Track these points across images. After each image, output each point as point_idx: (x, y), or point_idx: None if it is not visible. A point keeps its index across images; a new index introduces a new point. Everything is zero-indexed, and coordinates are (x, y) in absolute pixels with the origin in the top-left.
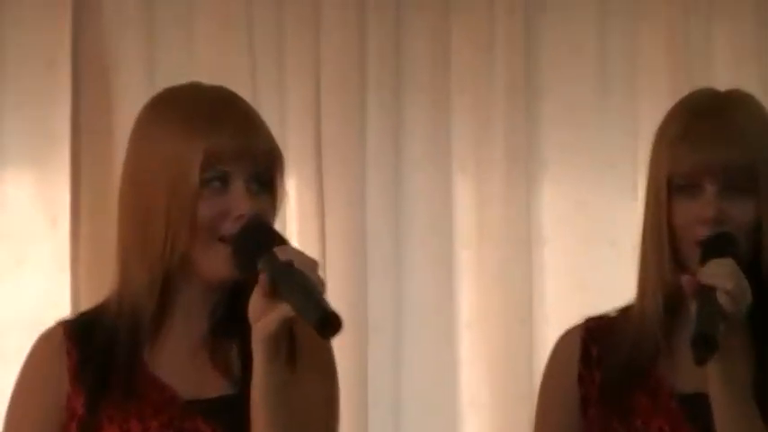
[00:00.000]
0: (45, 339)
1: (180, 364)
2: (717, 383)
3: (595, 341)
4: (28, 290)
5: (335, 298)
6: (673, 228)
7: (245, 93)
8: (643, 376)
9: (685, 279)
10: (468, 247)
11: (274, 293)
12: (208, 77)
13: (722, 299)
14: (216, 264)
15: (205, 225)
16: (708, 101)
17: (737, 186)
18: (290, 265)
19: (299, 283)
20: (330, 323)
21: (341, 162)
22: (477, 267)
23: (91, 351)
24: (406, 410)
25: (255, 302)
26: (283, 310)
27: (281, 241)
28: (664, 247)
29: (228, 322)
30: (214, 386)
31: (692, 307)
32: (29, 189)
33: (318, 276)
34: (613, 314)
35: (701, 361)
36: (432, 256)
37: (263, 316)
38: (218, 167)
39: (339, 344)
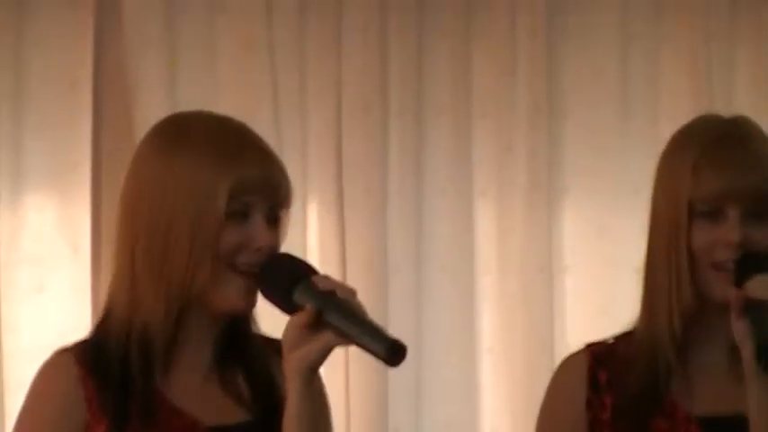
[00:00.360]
0: (54, 368)
1: (193, 392)
2: (760, 403)
3: (602, 366)
4: (49, 316)
5: None
6: (690, 252)
7: (266, 115)
8: (658, 400)
9: (733, 294)
10: (490, 274)
11: (317, 323)
12: (229, 100)
13: None
14: (230, 295)
15: (225, 255)
16: (723, 127)
17: (759, 212)
18: (333, 293)
19: (352, 312)
20: (398, 351)
21: (362, 186)
22: (498, 293)
23: (107, 379)
24: None
25: (294, 332)
26: (328, 339)
27: (313, 271)
28: (683, 270)
29: (231, 350)
30: (229, 413)
31: (738, 324)
32: (50, 214)
33: (361, 305)
34: (611, 340)
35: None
36: (452, 281)
37: (303, 346)
38: (242, 199)
39: (361, 370)
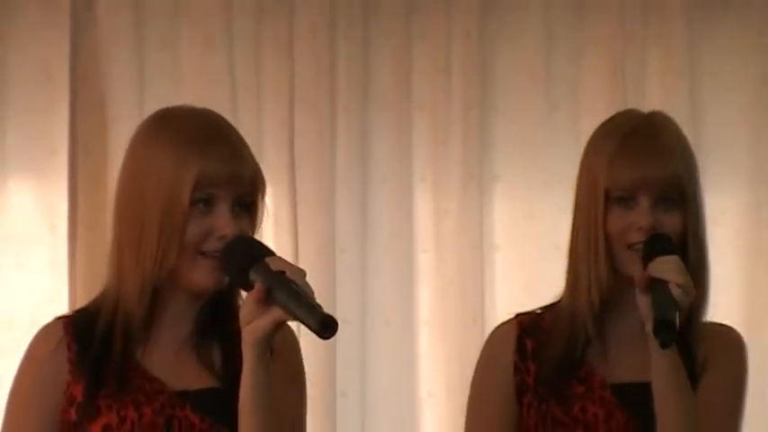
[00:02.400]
0: (45, 332)
1: (168, 361)
2: (664, 373)
3: (529, 335)
4: (28, 289)
5: None
6: (607, 234)
7: (225, 109)
8: (576, 367)
9: (638, 274)
10: (427, 252)
11: (267, 300)
12: (191, 93)
13: (675, 291)
14: (200, 276)
15: (191, 242)
16: (638, 122)
17: (667, 199)
18: (282, 273)
19: (295, 290)
20: (329, 326)
21: (312, 174)
22: (434, 271)
23: (88, 345)
24: (371, 400)
25: (248, 308)
26: (276, 314)
27: (270, 253)
28: (600, 250)
29: (210, 324)
30: (199, 380)
31: (642, 300)
32: (30, 196)
33: (308, 284)
34: (539, 311)
35: (665, 344)
36: (394, 259)
37: (255, 320)
38: (206, 191)
39: (310, 339)
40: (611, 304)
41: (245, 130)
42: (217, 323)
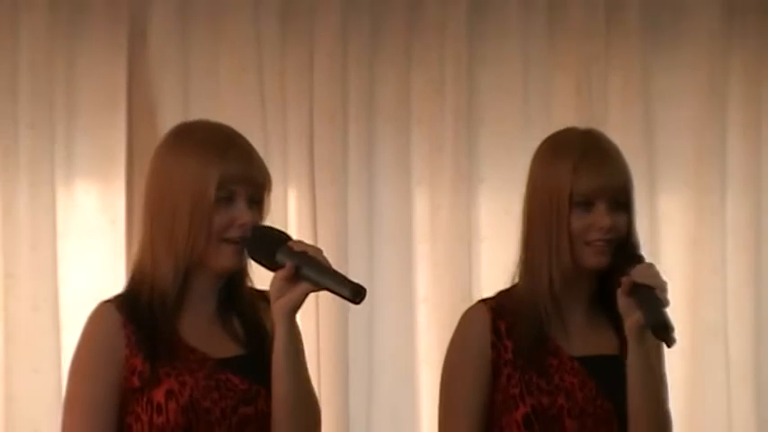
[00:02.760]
0: (101, 314)
1: (202, 333)
2: (641, 355)
3: (501, 317)
4: (92, 273)
5: None
6: (569, 232)
7: (256, 122)
8: (547, 343)
9: (624, 280)
10: (424, 242)
11: (295, 277)
12: (228, 110)
13: (662, 295)
14: (225, 259)
15: (217, 231)
16: (588, 138)
17: (618, 202)
18: (306, 253)
19: (324, 266)
20: (360, 292)
21: (329, 177)
22: (430, 257)
23: (140, 323)
24: (377, 364)
25: (277, 285)
26: (305, 288)
27: (288, 236)
28: (564, 245)
29: (227, 301)
30: (229, 348)
31: (625, 301)
32: (93, 196)
33: (327, 259)
34: (496, 296)
35: (671, 343)
36: (396, 248)
37: (286, 294)
38: (228, 188)
39: (325, 312)
40: (567, 290)
41: (273, 140)
42: (232, 300)
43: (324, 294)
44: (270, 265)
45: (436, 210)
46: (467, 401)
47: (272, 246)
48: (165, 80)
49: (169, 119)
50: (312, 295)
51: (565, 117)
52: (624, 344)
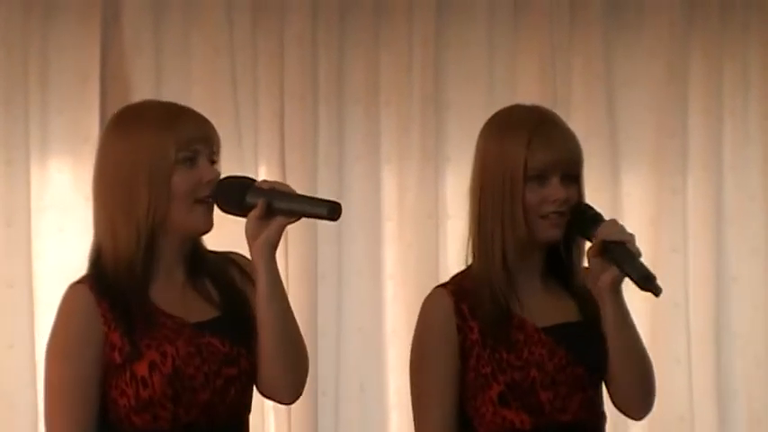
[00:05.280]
0: (76, 294)
1: (177, 299)
2: (620, 310)
3: (462, 299)
4: (67, 250)
5: (295, 254)
6: (524, 205)
7: (228, 103)
8: (510, 318)
9: (594, 241)
10: (391, 220)
11: (268, 214)
12: (200, 92)
13: (633, 248)
14: (196, 220)
15: (182, 193)
16: (538, 114)
17: (569, 176)
18: (274, 189)
19: (294, 194)
20: (336, 209)
21: (299, 156)
22: (398, 235)
23: (113, 299)
24: (346, 339)
25: (251, 225)
26: (280, 221)
27: (252, 179)
28: (519, 219)
29: (197, 266)
30: (205, 312)
31: (595, 262)
32: (68, 173)
33: (293, 189)
34: (453, 279)
35: (658, 292)
36: (365, 225)
37: (263, 232)
38: (190, 148)
39: (294, 290)
40: (521, 264)
41: (245, 120)
42: (201, 264)
43: (293, 266)
44: (242, 211)
45: (404, 188)
46: (438, 393)
47: (240, 191)
48: (138, 60)
49: (142, 98)
50: (282, 269)
51: (529, 100)
52: (585, 308)
